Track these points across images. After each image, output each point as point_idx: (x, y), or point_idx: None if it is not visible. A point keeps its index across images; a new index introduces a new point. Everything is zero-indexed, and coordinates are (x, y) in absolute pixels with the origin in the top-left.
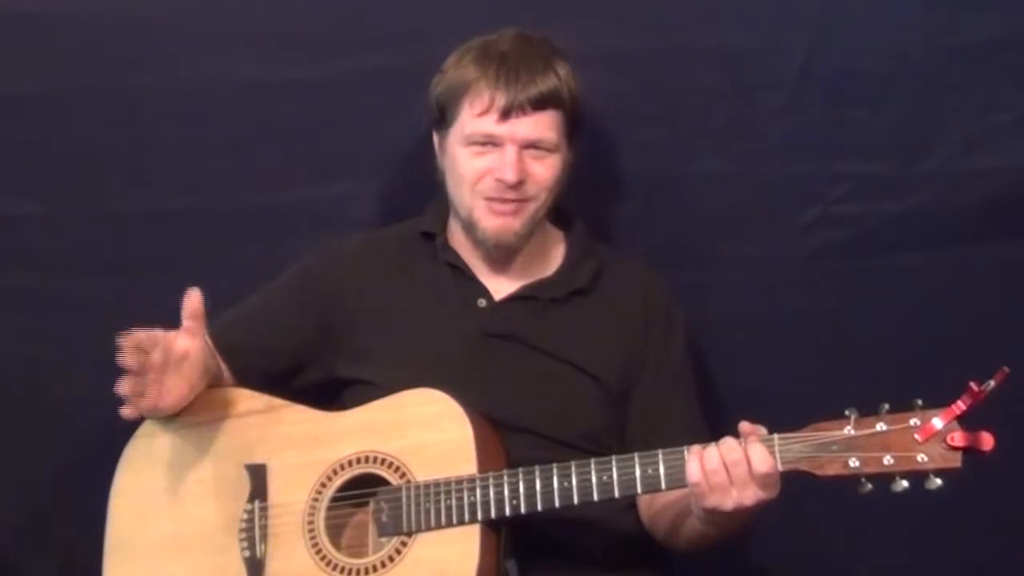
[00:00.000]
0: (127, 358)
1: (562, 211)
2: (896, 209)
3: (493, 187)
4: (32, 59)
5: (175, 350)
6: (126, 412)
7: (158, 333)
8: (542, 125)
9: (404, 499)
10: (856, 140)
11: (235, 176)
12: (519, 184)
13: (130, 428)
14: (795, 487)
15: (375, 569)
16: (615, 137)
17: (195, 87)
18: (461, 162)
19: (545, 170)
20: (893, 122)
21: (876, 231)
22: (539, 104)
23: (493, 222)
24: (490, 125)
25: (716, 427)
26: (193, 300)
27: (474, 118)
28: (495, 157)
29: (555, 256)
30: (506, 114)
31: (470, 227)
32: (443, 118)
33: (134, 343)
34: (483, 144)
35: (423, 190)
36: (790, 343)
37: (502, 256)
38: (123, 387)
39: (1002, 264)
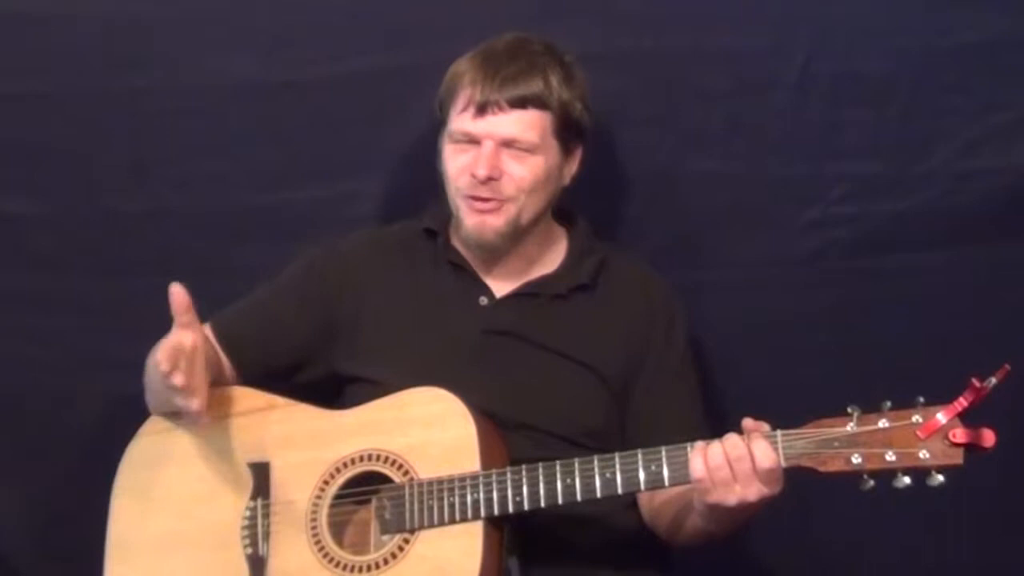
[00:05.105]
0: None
1: (564, 208)
2: (896, 209)
3: (469, 183)
4: (32, 59)
5: (187, 347)
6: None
7: (177, 345)
8: (521, 124)
9: (407, 496)
10: (856, 140)
11: (235, 176)
12: (492, 181)
13: (130, 428)
14: (796, 485)
15: (377, 566)
16: (615, 137)
17: (195, 87)
18: (447, 159)
19: (524, 170)
20: (893, 122)
21: (876, 231)
22: (517, 103)
23: (473, 219)
24: (467, 122)
25: (717, 426)
26: (179, 295)
27: (457, 116)
28: (474, 154)
29: (557, 253)
30: (482, 110)
31: (459, 226)
32: (443, 117)
33: (185, 361)
34: (465, 142)
35: (423, 190)
36: (790, 343)
37: (489, 256)
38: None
39: (1002, 264)
